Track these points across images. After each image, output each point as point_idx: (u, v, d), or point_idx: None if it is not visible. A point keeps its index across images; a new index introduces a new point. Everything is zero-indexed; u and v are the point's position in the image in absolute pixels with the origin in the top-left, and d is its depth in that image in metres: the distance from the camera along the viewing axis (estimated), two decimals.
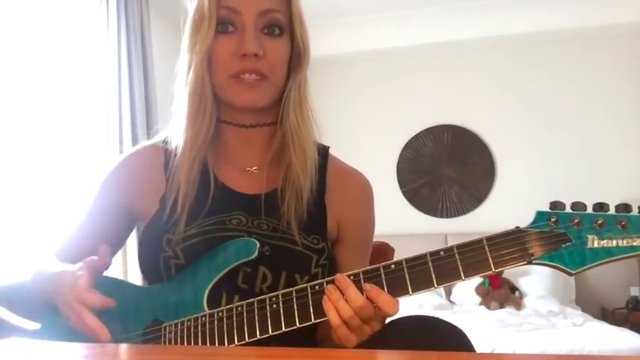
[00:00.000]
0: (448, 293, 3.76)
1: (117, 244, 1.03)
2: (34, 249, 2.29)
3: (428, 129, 4.17)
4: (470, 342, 0.73)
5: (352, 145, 3.68)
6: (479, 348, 0.74)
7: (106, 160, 2.70)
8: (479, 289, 3.54)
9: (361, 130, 4.21)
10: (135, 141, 2.81)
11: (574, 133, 3.92)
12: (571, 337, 2.65)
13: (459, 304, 3.64)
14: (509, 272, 3.55)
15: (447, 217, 4.11)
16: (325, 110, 3.96)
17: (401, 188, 4.19)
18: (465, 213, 4.08)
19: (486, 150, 4.07)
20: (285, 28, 0.92)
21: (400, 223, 3.88)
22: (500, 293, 3.47)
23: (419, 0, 3.81)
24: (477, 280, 3.60)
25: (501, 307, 3.40)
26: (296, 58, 0.94)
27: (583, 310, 3.42)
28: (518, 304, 3.43)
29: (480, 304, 3.49)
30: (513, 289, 3.55)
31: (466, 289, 3.64)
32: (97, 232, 0.99)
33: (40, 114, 2.50)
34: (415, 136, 4.19)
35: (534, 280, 3.58)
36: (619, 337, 2.62)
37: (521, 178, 3.93)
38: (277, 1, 0.91)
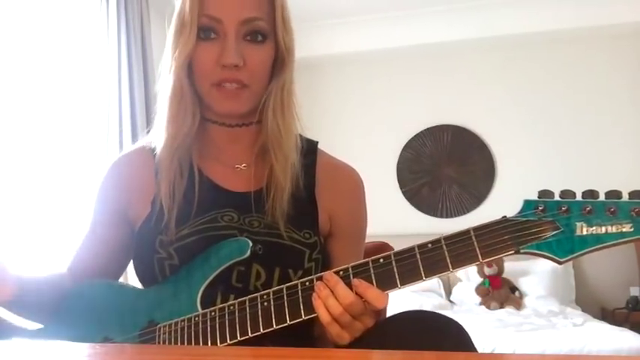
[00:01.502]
0: (448, 293, 3.75)
1: (126, 251, 0.99)
2: (35, 249, 2.30)
3: (428, 129, 4.17)
4: (468, 336, 0.73)
5: (352, 144, 3.70)
6: (479, 348, 0.73)
7: (106, 160, 2.70)
8: (479, 289, 3.54)
9: (361, 130, 4.21)
10: (135, 141, 2.80)
11: (574, 133, 3.91)
12: (571, 337, 2.64)
13: (459, 304, 3.63)
14: (509, 272, 3.55)
15: (447, 217, 4.10)
16: (325, 110, 4.03)
17: (401, 188, 4.19)
18: (464, 213, 4.07)
19: (486, 150, 4.07)
20: (269, 34, 0.91)
21: (400, 223, 3.87)
22: (500, 293, 3.47)
23: (419, 0, 3.81)
24: (477, 280, 3.59)
25: (501, 307, 3.39)
26: (279, 62, 0.93)
27: (583, 310, 3.41)
28: (518, 304, 3.42)
29: (480, 304, 3.48)
30: (513, 289, 3.54)
31: (466, 289, 3.63)
32: (102, 244, 0.99)
33: (40, 114, 2.50)
34: (415, 136, 4.19)
35: (534, 280, 3.57)
36: (619, 337, 2.62)
37: (521, 178, 3.92)
38: (260, 7, 0.89)
